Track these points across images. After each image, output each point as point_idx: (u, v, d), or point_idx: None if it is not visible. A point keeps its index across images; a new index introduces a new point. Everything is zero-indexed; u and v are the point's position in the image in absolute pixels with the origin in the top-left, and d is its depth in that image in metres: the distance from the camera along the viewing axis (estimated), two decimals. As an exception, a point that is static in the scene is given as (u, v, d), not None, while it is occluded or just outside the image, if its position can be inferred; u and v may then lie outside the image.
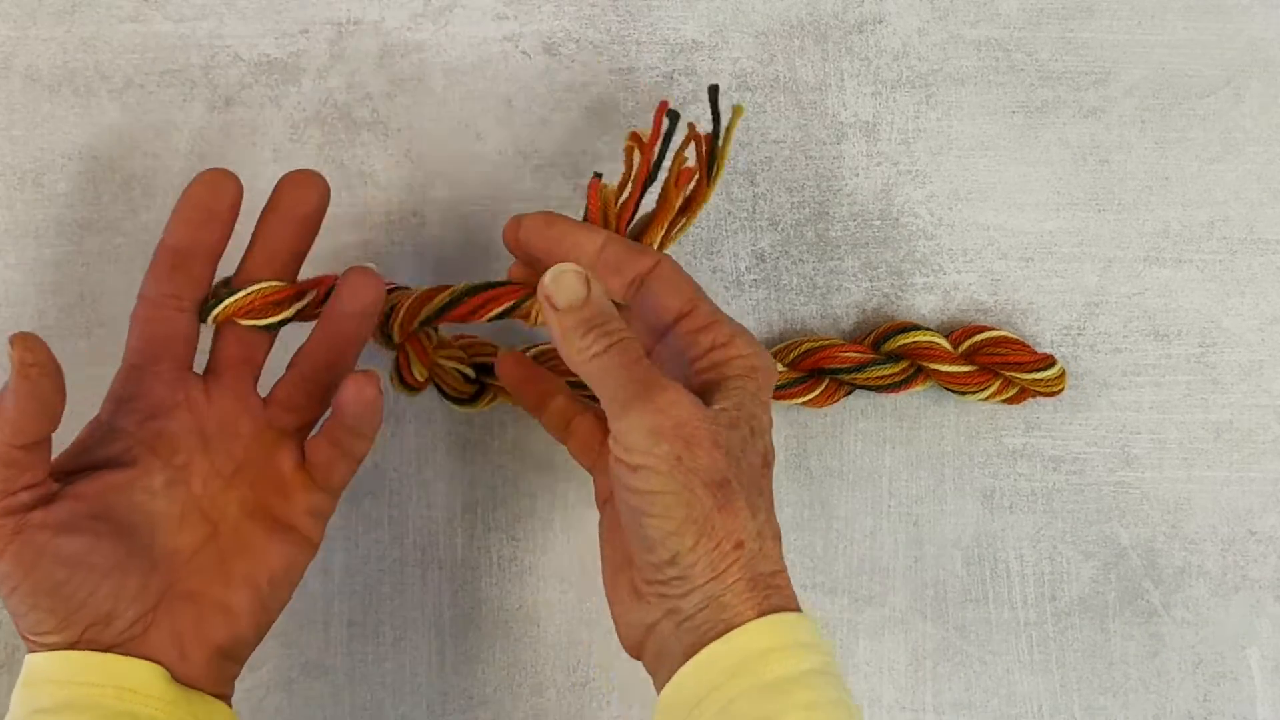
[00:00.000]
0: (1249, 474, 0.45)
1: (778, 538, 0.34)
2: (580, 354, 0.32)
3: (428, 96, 0.44)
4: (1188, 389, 0.45)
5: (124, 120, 0.44)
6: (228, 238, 0.36)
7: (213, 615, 0.35)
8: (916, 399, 0.44)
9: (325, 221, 0.38)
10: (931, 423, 0.45)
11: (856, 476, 0.44)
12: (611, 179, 0.37)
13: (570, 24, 0.44)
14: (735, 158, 0.44)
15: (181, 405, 0.36)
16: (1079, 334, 0.45)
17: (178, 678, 0.34)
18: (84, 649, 0.33)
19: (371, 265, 0.36)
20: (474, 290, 0.38)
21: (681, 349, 0.35)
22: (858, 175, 0.45)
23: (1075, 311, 0.45)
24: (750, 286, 0.44)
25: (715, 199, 0.44)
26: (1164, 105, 0.45)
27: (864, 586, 0.44)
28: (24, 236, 0.43)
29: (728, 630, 0.32)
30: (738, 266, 0.44)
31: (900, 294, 0.44)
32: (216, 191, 0.36)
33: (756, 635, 0.31)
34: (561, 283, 0.33)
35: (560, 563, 0.44)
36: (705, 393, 0.33)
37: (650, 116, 0.36)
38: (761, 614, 0.32)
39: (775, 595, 0.32)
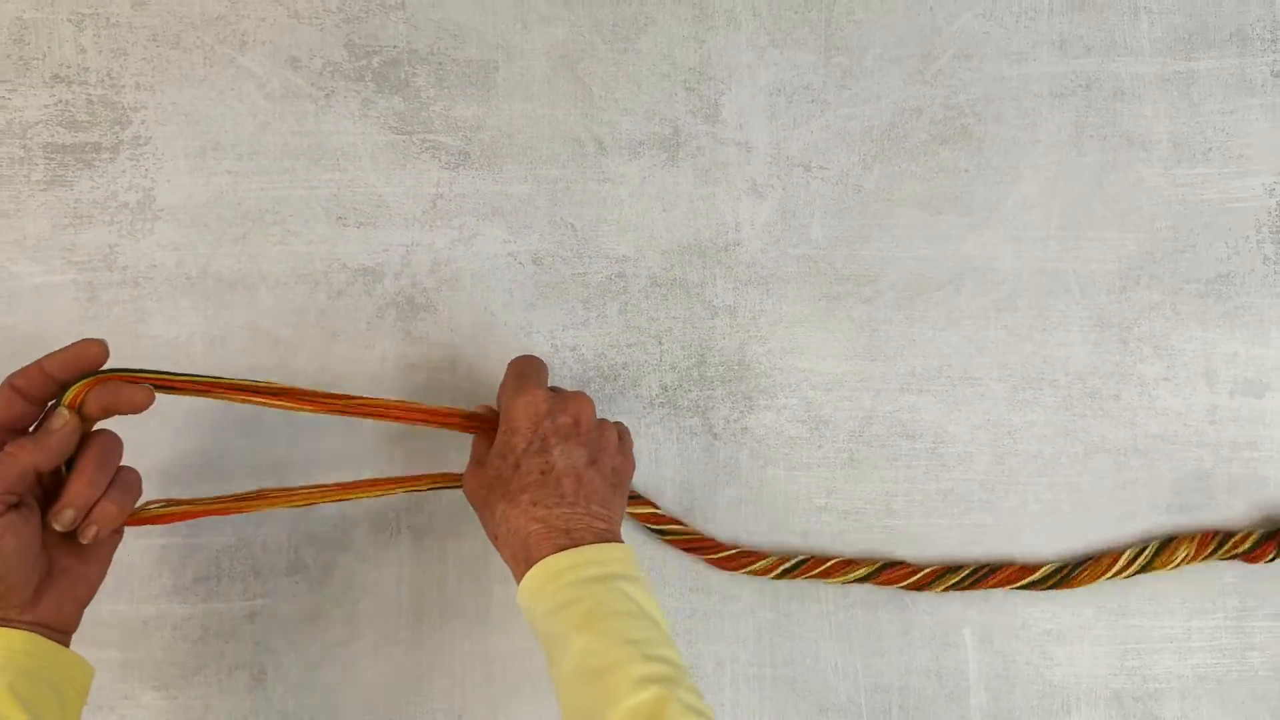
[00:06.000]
0: (963, 522, 0.73)
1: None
2: None
3: (460, 290, 0.72)
4: (926, 469, 0.73)
5: (275, 309, 0.71)
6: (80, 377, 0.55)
7: (79, 581, 0.55)
8: (764, 475, 0.72)
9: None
10: (772, 491, 0.72)
11: (724, 523, 0.72)
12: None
13: (548, 245, 0.72)
14: (649, 328, 0.72)
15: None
16: (859, 436, 0.72)
17: (56, 627, 0.53)
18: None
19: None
20: None
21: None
22: (725, 338, 0.72)
23: (858, 422, 0.72)
24: (659, 406, 0.72)
25: (635, 353, 0.72)
26: (912, 295, 0.73)
27: (728, 589, 0.72)
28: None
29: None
30: (651, 394, 0.72)
31: (749, 411, 0.72)
32: (88, 354, 0.54)
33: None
34: None
35: (541, 576, 0.71)
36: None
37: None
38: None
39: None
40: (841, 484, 0.72)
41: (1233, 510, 0.72)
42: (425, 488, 0.66)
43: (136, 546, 0.69)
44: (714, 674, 0.71)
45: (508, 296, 0.72)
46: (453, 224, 0.71)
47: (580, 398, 0.62)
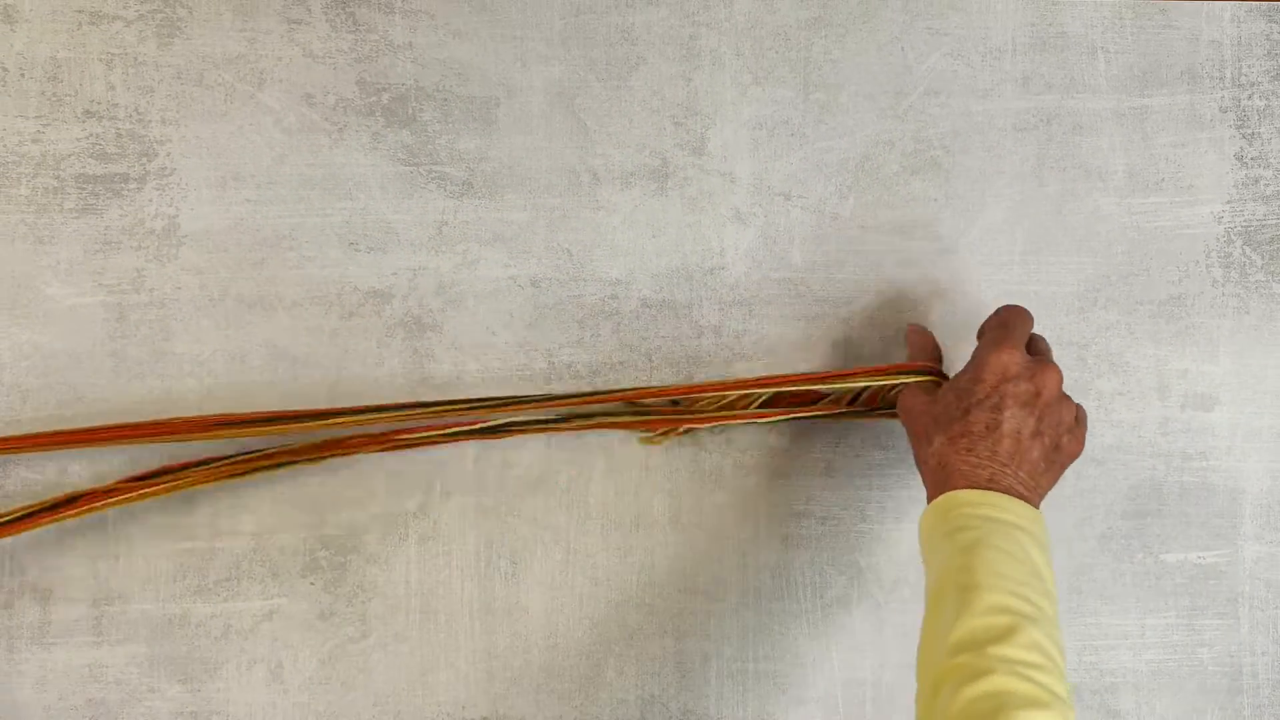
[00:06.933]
0: (932, 526, 0.78)
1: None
2: None
3: (464, 310, 0.77)
4: (898, 477, 0.78)
5: (291, 325, 0.76)
6: None
7: None
8: (747, 484, 0.77)
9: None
10: (755, 497, 0.77)
11: (709, 528, 0.77)
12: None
13: (546, 269, 0.77)
14: (640, 346, 0.77)
15: None
16: (835, 446, 0.77)
17: None
18: None
19: None
20: None
21: None
22: (710, 356, 0.78)
23: (834, 434, 0.78)
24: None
25: (627, 370, 0.77)
26: (885, 316, 0.78)
27: (714, 590, 0.77)
28: (235, 391, 0.76)
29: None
30: (641, 407, 0.77)
31: (733, 423, 0.77)
32: None
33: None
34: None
35: (540, 577, 0.77)
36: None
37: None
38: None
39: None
40: (819, 491, 0.77)
41: (1184, 515, 0.78)
42: (894, 378, 0.72)
43: (163, 551, 0.74)
44: (700, 668, 0.77)
45: (508, 317, 0.77)
46: (457, 249, 0.77)
47: (1050, 371, 0.65)
